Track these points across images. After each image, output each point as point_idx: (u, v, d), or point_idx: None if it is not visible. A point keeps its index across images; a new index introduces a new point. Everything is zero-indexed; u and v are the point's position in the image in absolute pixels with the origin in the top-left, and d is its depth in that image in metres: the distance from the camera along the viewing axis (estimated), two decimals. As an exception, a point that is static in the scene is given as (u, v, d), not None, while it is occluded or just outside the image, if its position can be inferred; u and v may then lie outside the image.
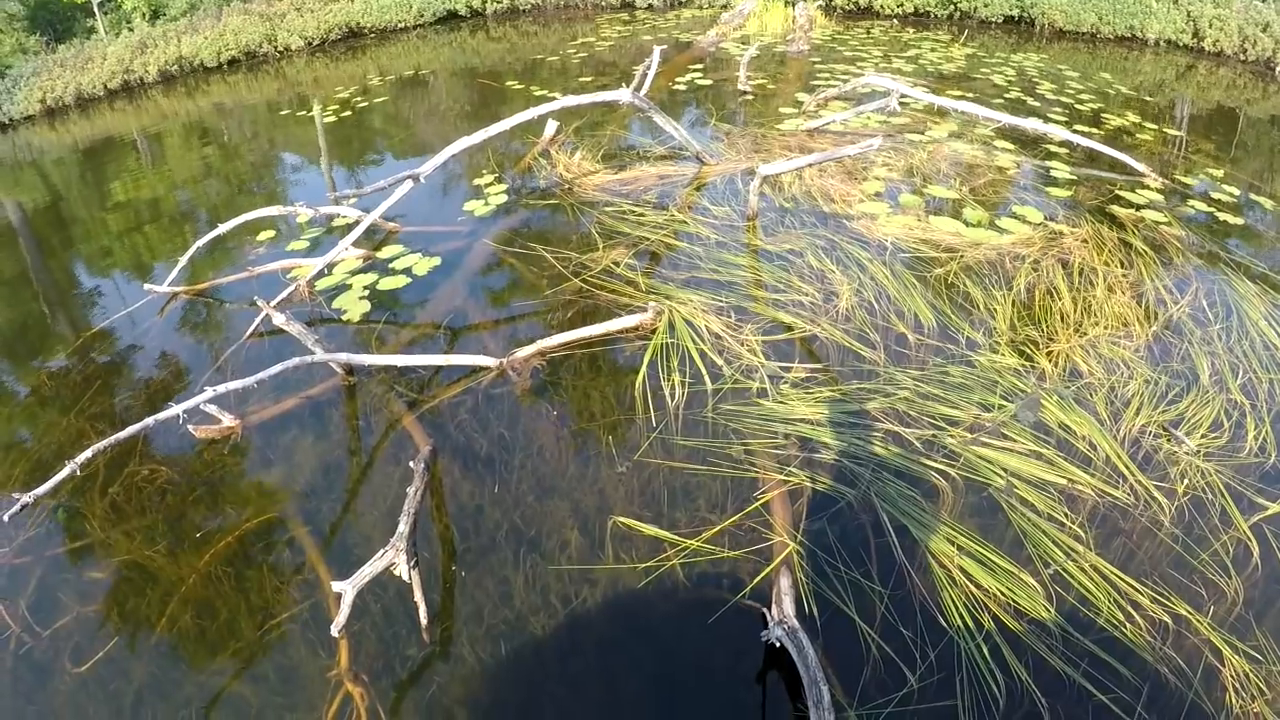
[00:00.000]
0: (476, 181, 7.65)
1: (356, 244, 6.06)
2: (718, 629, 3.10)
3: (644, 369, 4.52)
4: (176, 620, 3.45)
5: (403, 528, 3.29)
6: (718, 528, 3.49)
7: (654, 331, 4.79)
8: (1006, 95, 9.44)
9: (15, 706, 3.22)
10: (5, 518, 3.72)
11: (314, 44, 17.51)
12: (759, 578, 3.24)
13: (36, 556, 3.93)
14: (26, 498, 3.69)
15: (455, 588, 3.42)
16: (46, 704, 3.20)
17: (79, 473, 3.86)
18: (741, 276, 5.38)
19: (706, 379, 4.40)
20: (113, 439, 3.94)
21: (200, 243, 6.50)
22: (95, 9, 19.89)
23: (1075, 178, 6.91)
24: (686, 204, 6.58)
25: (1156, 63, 11.78)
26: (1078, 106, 9.13)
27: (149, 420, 4.00)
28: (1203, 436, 3.92)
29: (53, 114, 15.87)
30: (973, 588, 3.16)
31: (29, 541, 4.02)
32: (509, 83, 11.90)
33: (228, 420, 4.48)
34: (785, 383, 4.34)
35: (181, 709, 3.09)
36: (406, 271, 5.99)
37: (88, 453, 3.85)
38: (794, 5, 14.54)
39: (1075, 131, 7.40)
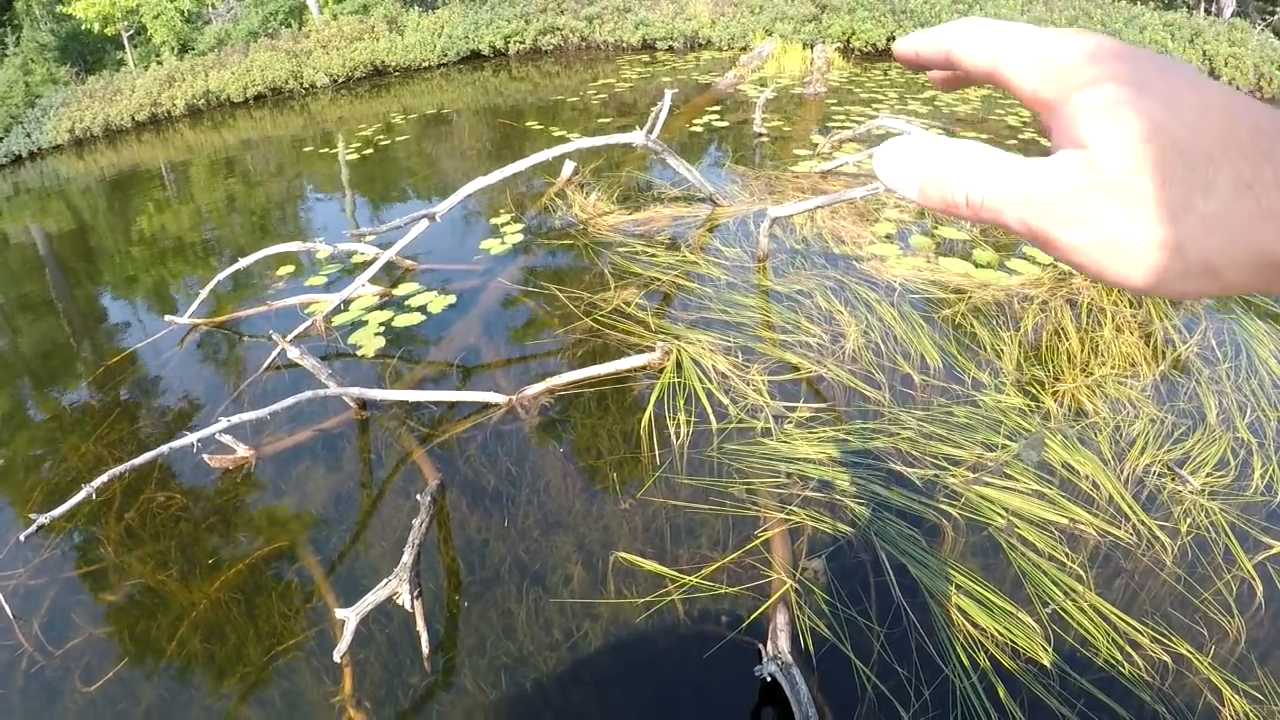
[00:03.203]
0: (494, 220, 7.78)
1: (374, 281, 6.18)
2: (715, 663, 3.12)
3: (651, 408, 4.57)
4: (186, 644, 3.53)
5: (406, 558, 3.36)
6: (717, 564, 3.52)
7: (662, 371, 4.85)
8: (1020, 136, 9.50)
9: None
10: (21, 538, 3.88)
11: (339, 81, 17.88)
12: (756, 614, 3.27)
13: (51, 578, 4.04)
14: (43, 519, 3.80)
15: (459, 619, 3.47)
16: None
17: (95, 497, 3.96)
18: (750, 317, 5.43)
19: (712, 418, 4.45)
20: (128, 465, 4.05)
21: (221, 276, 6.66)
22: (125, 42, 20.38)
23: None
24: (698, 245, 6.65)
25: (1173, 103, 11.80)
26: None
27: (164, 448, 4.10)
28: (1208, 475, 3.91)
29: (81, 144, 16.26)
30: (969, 627, 3.17)
31: (44, 564, 4.14)
32: (530, 122, 12.09)
33: (242, 450, 4.57)
34: (790, 422, 4.38)
35: (188, 733, 3.15)
36: (422, 309, 6.10)
37: (104, 477, 3.95)
38: (812, 47, 14.71)
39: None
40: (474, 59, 18.60)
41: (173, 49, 20.43)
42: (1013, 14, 14.19)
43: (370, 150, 11.92)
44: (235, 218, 10.30)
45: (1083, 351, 4.90)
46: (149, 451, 4.10)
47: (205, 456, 4.50)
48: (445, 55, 18.26)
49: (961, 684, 2.96)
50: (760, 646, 3.06)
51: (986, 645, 3.10)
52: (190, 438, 4.13)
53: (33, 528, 3.78)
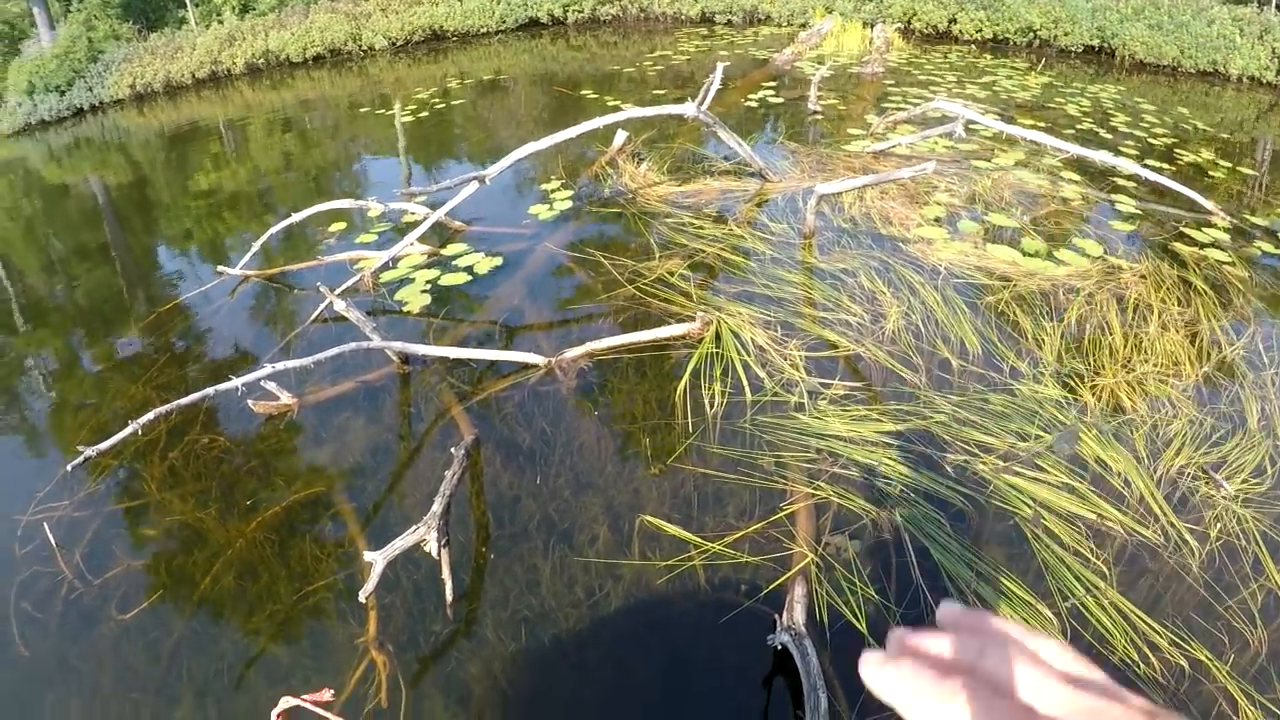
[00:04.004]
0: (545, 186, 7.82)
1: (423, 240, 6.25)
2: (731, 630, 3.17)
3: (687, 377, 4.61)
4: (220, 580, 3.65)
5: (436, 507, 3.45)
6: (741, 533, 3.56)
7: (701, 341, 4.87)
8: (1079, 126, 9.32)
9: (60, 646, 3.44)
10: (68, 469, 4.04)
11: (397, 44, 17.95)
12: (775, 584, 3.30)
13: (95, 511, 4.19)
14: (89, 451, 3.93)
15: (485, 571, 3.56)
16: (90, 646, 3.42)
17: (140, 434, 4.10)
18: (792, 293, 5.44)
19: (747, 390, 4.48)
20: (174, 404, 4.18)
21: (274, 230, 6.80)
22: (187, 0, 20.59)
23: (1140, 212, 6.83)
24: (746, 219, 6.65)
25: (1238, 99, 11.54)
26: (1151, 140, 8.99)
27: (209, 390, 4.21)
28: (1243, 481, 3.87)
29: (141, 99, 16.51)
30: (988, 614, 3.18)
31: (89, 497, 4.29)
32: (585, 91, 12.09)
33: (286, 398, 4.68)
34: (824, 399, 4.39)
35: (216, 662, 3.28)
36: (469, 269, 6.18)
37: (150, 415, 4.07)
38: (872, 27, 14.52)
39: (1145, 166, 7.29)
40: (532, 26, 18.54)
41: (234, 8, 20.58)
42: (1077, 0, 13.89)
43: (426, 114, 11.97)
44: (290, 175, 10.43)
45: (1125, 347, 4.84)
46: (196, 393, 4.22)
47: (250, 402, 4.61)
48: (504, 22, 18.22)
49: (976, 669, 2.97)
50: (776, 616, 3.10)
51: (1003, 633, 3.10)
52: (235, 381, 4.23)
53: (79, 459, 3.91)
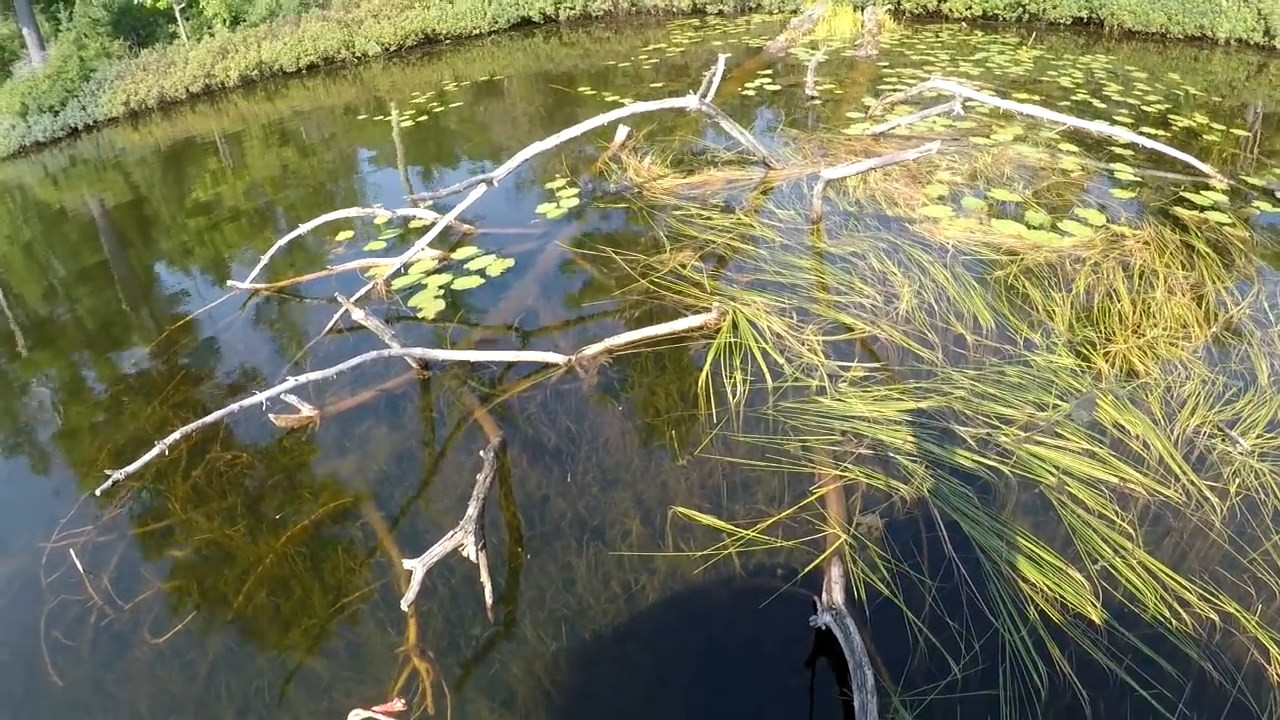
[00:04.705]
0: (549, 185, 7.88)
1: (432, 245, 6.31)
2: (769, 615, 3.24)
3: (707, 367, 4.68)
4: (253, 597, 3.70)
5: (472, 511, 3.51)
6: (773, 519, 3.63)
7: (718, 331, 4.95)
8: (1073, 98, 9.39)
9: (94, 673, 3.48)
10: (97, 492, 4.08)
11: (391, 50, 18.00)
12: (810, 567, 3.38)
13: (120, 535, 4.24)
14: (117, 474, 3.96)
15: (520, 572, 3.62)
16: (124, 672, 3.46)
17: (167, 453, 4.14)
18: (804, 279, 5.50)
19: (768, 377, 4.55)
20: (199, 423, 4.24)
21: (282, 242, 6.87)
22: (177, 14, 20.66)
23: (1139, 179, 6.89)
24: (753, 207, 6.72)
25: (1227, 62, 11.58)
26: (1145, 108, 9.05)
27: (234, 406, 4.29)
28: (1258, 436, 3.93)
29: (135, 116, 16.57)
30: (1020, 582, 3.26)
31: (113, 521, 4.34)
32: (581, 88, 12.15)
33: (307, 410, 4.76)
34: (844, 381, 4.46)
35: (255, 680, 3.32)
36: (480, 272, 6.25)
37: (176, 435, 4.13)
38: (862, 10, 14.56)
39: (1141, 133, 7.35)
40: (525, 25, 18.57)
41: (225, 21, 20.64)
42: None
43: (424, 118, 12.03)
44: (290, 185, 10.50)
45: (1134, 313, 4.91)
46: (220, 410, 4.29)
47: (271, 416, 4.68)
48: (496, 22, 18.25)
49: (1011, 637, 3.05)
50: (815, 598, 3.17)
51: (1036, 600, 3.18)
52: (260, 396, 4.30)
53: (108, 483, 3.94)
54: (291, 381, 4.38)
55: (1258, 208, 6.35)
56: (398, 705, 3.02)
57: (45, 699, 3.43)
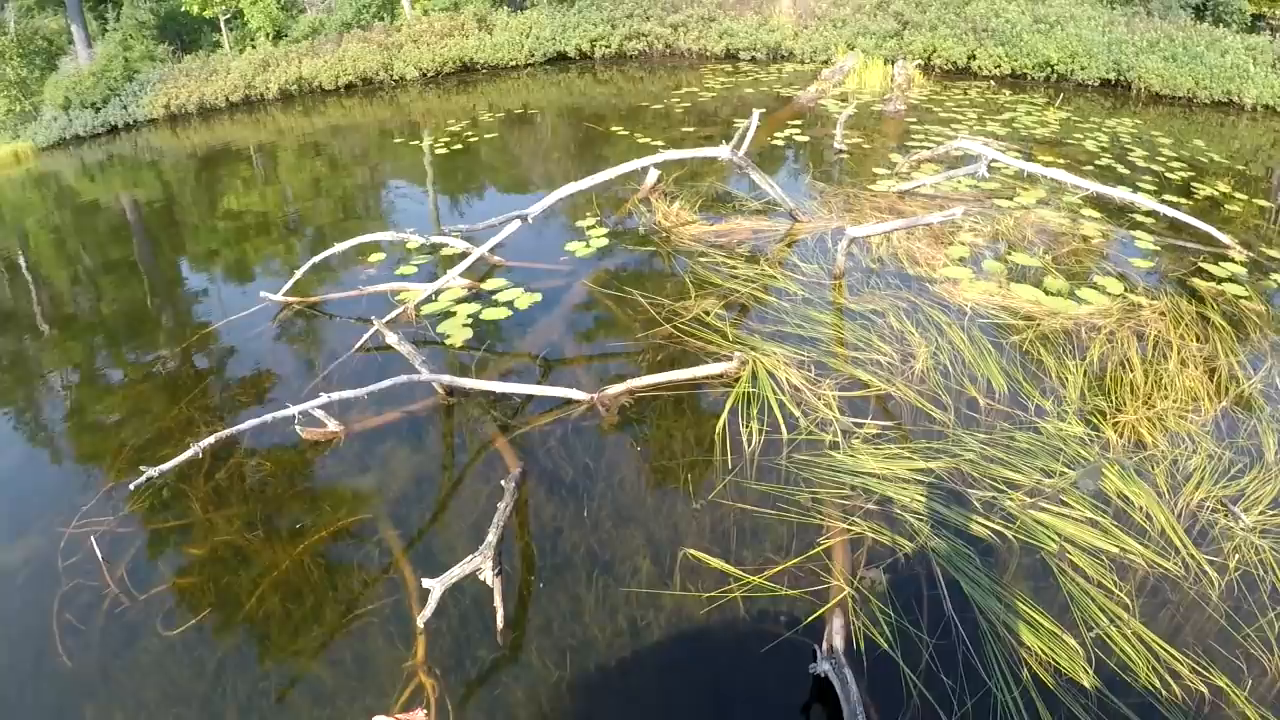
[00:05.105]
0: (579, 223, 8.06)
1: (463, 274, 6.48)
2: (771, 660, 3.34)
3: (725, 415, 4.80)
4: (265, 601, 3.82)
5: (491, 537, 3.64)
6: (780, 567, 3.74)
7: (737, 380, 5.07)
8: (1097, 162, 9.53)
9: (102, 659, 3.61)
10: (131, 486, 4.17)
11: (428, 75, 18.37)
12: (813, 616, 3.48)
13: (139, 528, 4.37)
14: (152, 471, 4.05)
15: (530, 600, 3.72)
16: (132, 660, 3.58)
17: (200, 455, 4.24)
18: (824, 333, 5.63)
19: (783, 428, 4.66)
20: (234, 429, 4.38)
21: (317, 258, 7.06)
22: (222, 25, 21.11)
23: (1158, 249, 7.01)
24: (777, 259, 6.86)
25: (1253, 129, 11.71)
26: (1168, 175, 9.19)
27: (267, 416, 4.43)
28: (1260, 513, 4.01)
29: (175, 119, 16.96)
30: (1015, 644, 3.35)
31: (133, 514, 4.47)
32: (613, 127, 12.35)
33: (332, 425, 4.90)
34: (857, 437, 4.57)
35: (260, 680, 3.44)
36: (509, 304, 6.40)
37: (210, 439, 4.25)
38: (893, 64, 14.75)
39: (1163, 201, 7.48)
40: (560, 60, 18.93)
41: (268, 34, 21.13)
42: (1093, 34, 14.11)
43: (457, 145, 12.26)
44: (321, 201, 10.73)
45: (1146, 384, 5.00)
46: (253, 419, 4.42)
47: (298, 427, 4.83)
48: (532, 55, 18.62)
49: (1003, 697, 3.14)
50: (816, 646, 3.28)
51: (1030, 663, 3.27)
52: (292, 409, 4.46)
53: (142, 479, 4.03)
54: (325, 398, 4.53)
55: (1275, 281, 6.45)
56: (420, 715, 3.11)
57: (53, 678, 3.55)
